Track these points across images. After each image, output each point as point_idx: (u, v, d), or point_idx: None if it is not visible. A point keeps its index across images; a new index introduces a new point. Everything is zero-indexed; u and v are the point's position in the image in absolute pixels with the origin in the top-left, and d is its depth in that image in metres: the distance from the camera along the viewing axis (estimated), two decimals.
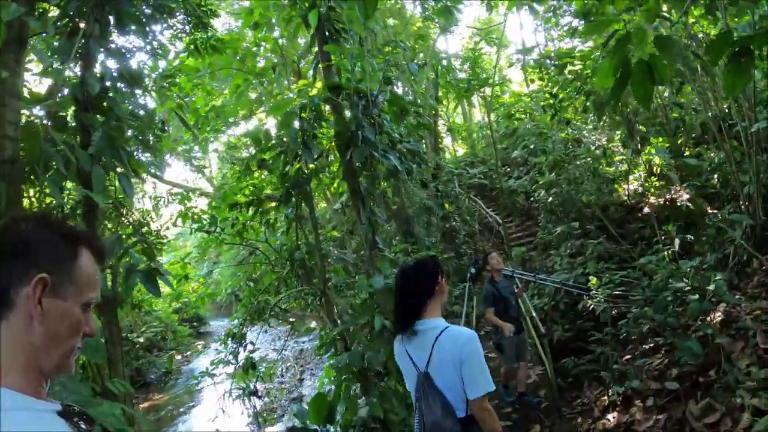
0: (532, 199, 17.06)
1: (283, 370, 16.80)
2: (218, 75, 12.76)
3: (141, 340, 19.76)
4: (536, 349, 8.25)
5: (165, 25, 10.37)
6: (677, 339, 5.49)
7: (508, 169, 21.24)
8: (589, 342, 8.14)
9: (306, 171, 7.81)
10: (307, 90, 8.78)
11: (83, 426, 1.14)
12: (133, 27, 8.11)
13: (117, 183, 5.79)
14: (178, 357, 21.04)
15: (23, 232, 1.12)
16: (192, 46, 10.72)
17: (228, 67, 11.65)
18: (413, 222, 13.39)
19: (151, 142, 11.34)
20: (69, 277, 1.14)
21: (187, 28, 10.45)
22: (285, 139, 7.87)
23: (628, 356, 6.71)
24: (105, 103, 5.81)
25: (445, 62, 17.70)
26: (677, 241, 6.75)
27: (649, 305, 6.69)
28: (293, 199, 8.07)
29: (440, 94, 20.00)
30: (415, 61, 17.71)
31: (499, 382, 7.59)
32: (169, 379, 18.73)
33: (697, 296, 5.38)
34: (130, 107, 6.64)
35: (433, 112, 18.58)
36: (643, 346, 6.65)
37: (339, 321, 7.41)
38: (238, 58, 11.61)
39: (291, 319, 14.49)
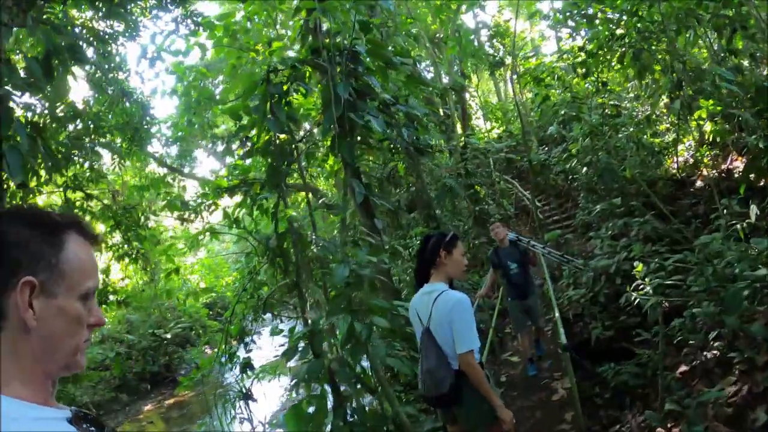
0: (570, 177, 15.13)
1: None
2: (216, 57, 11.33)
3: (168, 336, 18.66)
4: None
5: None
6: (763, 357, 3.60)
7: (545, 148, 19.24)
8: (634, 342, 6.35)
9: (276, 143, 6.22)
10: (283, 53, 7.22)
11: (93, 431, 1.04)
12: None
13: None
14: (208, 351, 19.90)
15: None
16: (173, 24, 9.32)
17: (220, 46, 10.17)
18: (435, 205, 11.60)
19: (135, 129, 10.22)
20: (57, 272, 1.00)
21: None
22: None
23: (685, 368, 4.84)
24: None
25: (472, 36, 15.79)
26: (754, 210, 4.80)
27: (712, 298, 4.80)
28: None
29: (470, 69, 18.04)
30: (438, 34, 15.91)
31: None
32: (200, 375, 17.48)
33: None
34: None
35: (457, 89, 16.62)
36: (704, 354, 4.77)
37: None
38: (230, 35, 10.12)
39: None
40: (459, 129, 17.13)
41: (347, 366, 4.86)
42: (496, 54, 16.81)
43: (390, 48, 5.86)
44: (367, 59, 6.09)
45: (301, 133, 8.33)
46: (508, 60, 17.91)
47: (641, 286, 5.67)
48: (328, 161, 8.05)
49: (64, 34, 5.51)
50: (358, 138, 7.04)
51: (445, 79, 16.33)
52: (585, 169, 10.75)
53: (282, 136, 6.47)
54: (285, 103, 6.52)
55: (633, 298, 5.78)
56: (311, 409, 5.20)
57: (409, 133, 6.08)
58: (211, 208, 8.13)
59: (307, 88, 6.83)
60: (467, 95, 20.46)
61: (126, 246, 8.57)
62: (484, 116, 22.83)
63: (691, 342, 5.09)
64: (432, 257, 3.35)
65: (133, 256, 8.95)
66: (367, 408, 5.29)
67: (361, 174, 7.39)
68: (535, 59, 15.18)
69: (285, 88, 6.53)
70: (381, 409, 4.91)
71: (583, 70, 8.95)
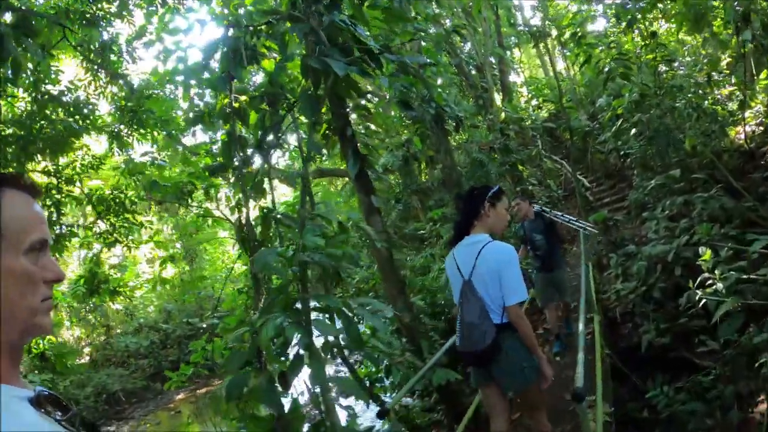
0: (622, 153, 13.24)
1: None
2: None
3: (204, 325, 17.86)
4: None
5: None
6: None
7: (597, 125, 17.24)
8: (696, 352, 4.75)
9: (235, 106, 4.93)
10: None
11: (58, 414, 0.92)
12: None
13: None
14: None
15: None
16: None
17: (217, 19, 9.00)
18: (464, 183, 10.04)
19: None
20: None
21: None
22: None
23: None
24: None
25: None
26: None
27: None
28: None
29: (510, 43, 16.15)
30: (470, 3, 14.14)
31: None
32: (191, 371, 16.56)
33: None
34: None
35: (496, 58, 14.80)
36: None
37: None
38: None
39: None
40: (499, 104, 15.33)
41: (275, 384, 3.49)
42: (537, 26, 14.94)
43: None
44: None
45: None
46: (552, 33, 16.08)
47: (709, 281, 4.01)
48: (320, 131, 6.63)
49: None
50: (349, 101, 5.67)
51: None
52: (634, 130, 8.86)
53: (243, 98, 5.19)
54: (250, 61, 5.28)
55: (698, 298, 4.11)
56: None
57: (398, 84, 4.61)
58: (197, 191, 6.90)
59: (280, 44, 5.49)
60: (510, 71, 18.53)
61: (110, 234, 7.53)
62: (528, 92, 20.82)
63: None
64: (475, 209, 3.17)
65: (125, 243, 7.91)
66: None
67: (359, 143, 5.98)
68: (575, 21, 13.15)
69: (251, 41, 5.30)
70: None
71: (628, 17, 7.12)
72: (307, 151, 4.28)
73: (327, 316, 3.63)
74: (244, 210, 5.33)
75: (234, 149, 4.77)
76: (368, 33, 5.18)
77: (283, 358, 3.90)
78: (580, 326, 3.64)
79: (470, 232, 3.19)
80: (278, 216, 4.76)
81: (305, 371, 3.45)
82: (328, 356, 4.16)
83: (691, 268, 5.50)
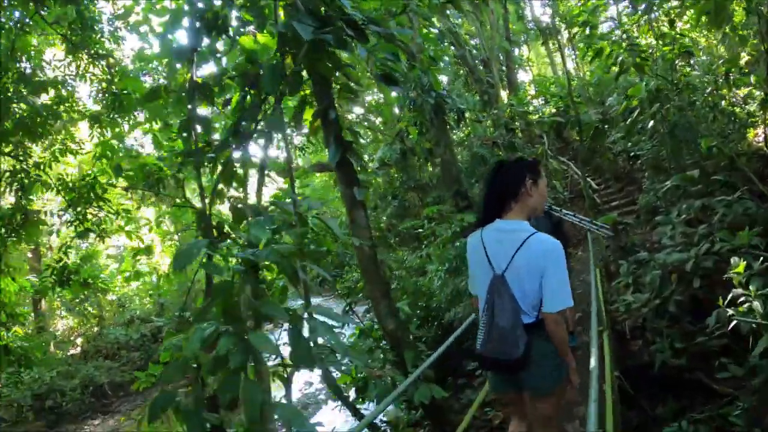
0: (632, 155, 12.55)
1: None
2: None
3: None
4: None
5: None
6: None
7: (606, 126, 16.48)
8: (715, 378, 4.12)
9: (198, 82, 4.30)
10: None
11: None
12: None
13: None
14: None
15: None
16: None
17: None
18: (463, 180, 9.34)
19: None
20: None
21: None
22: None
23: None
24: None
25: None
26: None
27: None
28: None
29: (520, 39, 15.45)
30: None
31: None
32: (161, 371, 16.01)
33: None
34: None
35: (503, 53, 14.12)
36: None
37: None
38: None
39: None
40: (505, 100, 14.63)
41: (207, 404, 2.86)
42: (547, 22, 14.27)
43: None
44: None
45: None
46: (562, 30, 15.39)
47: (741, 299, 3.32)
48: (305, 114, 5.94)
49: None
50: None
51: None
52: (651, 123, 8.12)
53: (209, 73, 4.56)
54: (220, 32, 4.65)
55: (729, 316, 3.42)
56: None
57: (378, 57, 3.95)
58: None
59: (258, 15, 4.85)
60: (517, 67, 17.83)
61: (81, 223, 6.94)
62: (536, 89, 20.14)
63: None
64: (513, 187, 2.58)
65: (98, 233, 7.31)
66: None
67: (345, 130, 5.32)
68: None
69: (222, 11, 4.66)
70: None
71: (642, 5, 6.39)
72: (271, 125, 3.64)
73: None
74: (207, 200, 4.70)
75: (195, 131, 4.12)
76: (355, 5, 4.55)
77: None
78: (592, 361, 2.91)
79: (503, 215, 2.60)
80: (240, 207, 4.12)
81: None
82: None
83: (711, 279, 4.84)
